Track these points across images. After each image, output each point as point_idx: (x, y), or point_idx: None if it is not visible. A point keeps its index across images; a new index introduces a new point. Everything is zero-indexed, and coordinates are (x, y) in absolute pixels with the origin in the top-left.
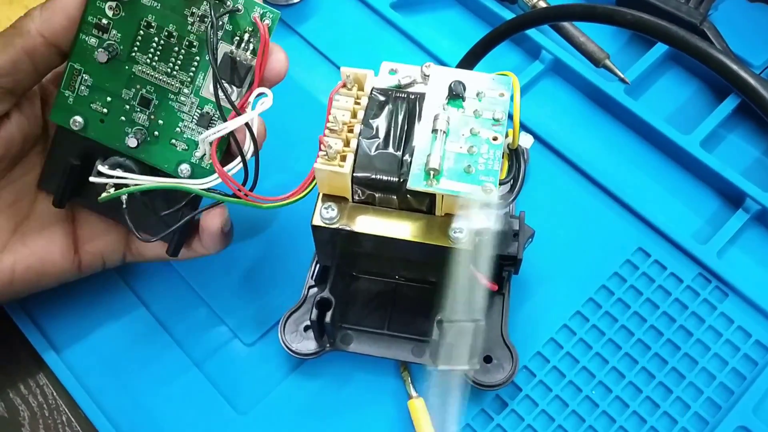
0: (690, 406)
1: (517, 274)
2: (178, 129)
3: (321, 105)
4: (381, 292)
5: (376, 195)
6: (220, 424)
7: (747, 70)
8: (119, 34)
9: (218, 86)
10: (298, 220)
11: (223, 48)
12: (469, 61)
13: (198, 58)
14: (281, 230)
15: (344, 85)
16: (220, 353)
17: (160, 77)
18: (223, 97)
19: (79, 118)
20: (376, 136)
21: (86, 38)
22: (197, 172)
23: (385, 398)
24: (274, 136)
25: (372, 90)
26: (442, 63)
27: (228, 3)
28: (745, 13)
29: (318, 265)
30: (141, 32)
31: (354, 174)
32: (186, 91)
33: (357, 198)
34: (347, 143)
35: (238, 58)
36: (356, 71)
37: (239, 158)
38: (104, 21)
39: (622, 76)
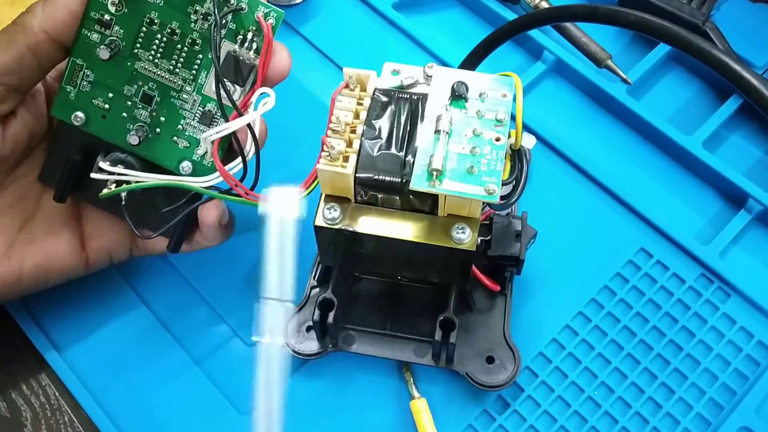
0: (692, 407)
1: (520, 274)
2: (180, 126)
3: (323, 105)
4: (383, 292)
5: (379, 196)
6: (222, 424)
7: (749, 70)
8: (122, 30)
9: (220, 86)
10: (299, 220)
11: (227, 47)
12: (471, 62)
13: (201, 56)
14: None
15: (347, 86)
16: (221, 353)
17: (163, 74)
18: (225, 96)
19: (80, 114)
20: (379, 136)
21: (88, 34)
22: (198, 169)
23: (387, 399)
24: (276, 136)
25: (374, 91)
26: (444, 63)
27: (232, 2)
28: (748, 14)
29: (320, 266)
30: (144, 29)
31: (356, 175)
32: (188, 88)
33: (359, 198)
34: (350, 144)
35: (241, 57)
36: (359, 72)
37: (240, 158)
38: (106, 17)
39: (624, 76)
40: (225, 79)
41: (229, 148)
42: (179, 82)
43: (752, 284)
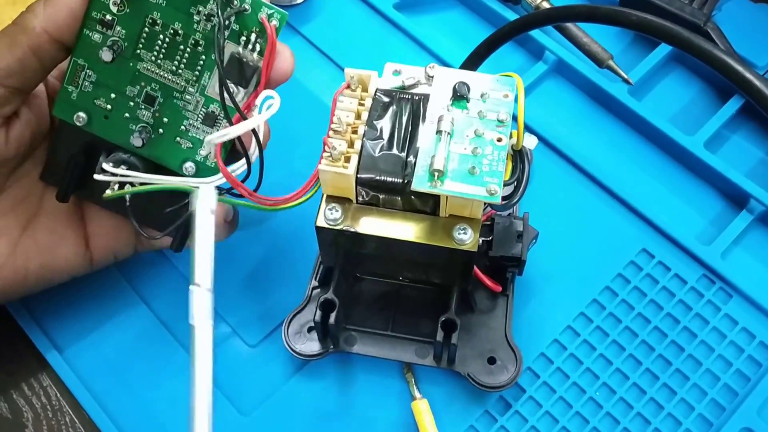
0: (694, 408)
1: (521, 275)
2: (183, 127)
3: (324, 106)
4: (385, 293)
5: (380, 196)
6: (223, 425)
7: (751, 70)
8: (123, 31)
9: (224, 90)
10: (301, 220)
11: (230, 48)
12: (472, 62)
13: (204, 57)
14: (285, 231)
15: (348, 86)
16: (223, 354)
17: (165, 75)
18: (229, 99)
19: (82, 114)
20: (380, 137)
21: (90, 34)
22: (202, 170)
23: (388, 400)
24: (278, 137)
25: (376, 91)
26: (445, 64)
27: (235, 3)
28: (749, 14)
29: (322, 266)
30: (146, 29)
31: (358, 175)
32: (191, 89)
33: (361, 199)
34: (351, 144)
35: (244, 59)
36: (360, 72)
37: (244, 159)
38: (108, 17)
39: (625, 76)
40: (228, 81)
41: (233, 148)
42: (182, 83)
43: (754, 285)
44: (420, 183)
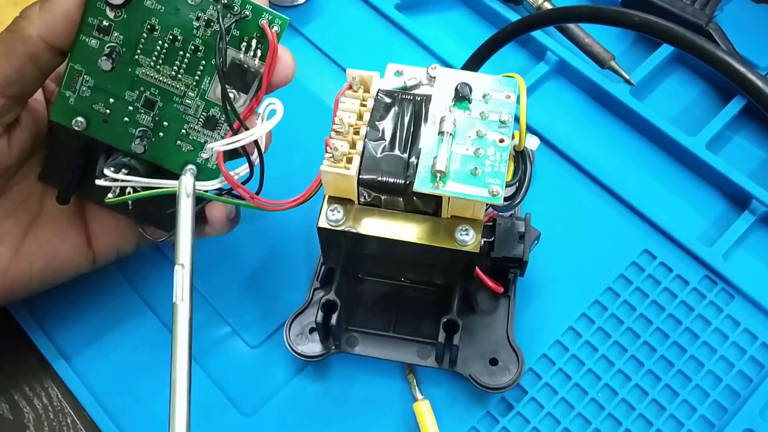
0: (696, 409)
1: (523, 276)
2: (183, 131)
3: (326, 107)
4: (387, 294)
5: (382, 197)
6: (225, 426)
7: (753, 71)
8: (121, 37)
9: (226, 101)
10: (303, 221)
11: (230, 54)
12: (474, 63)
13: (204, 62)
14: (287, 232)
15: (350, 87)
16: (225, 355)
17: (165, 80)
18: (230, 108)
19: (81, 119)
20: (382, 138)
21: (86, 39)
22: (203, 171)
23: (390, 401)
24: (280, 138)
25: (378, 92)
26: (447, 64)
27: (236, 9)
28: (751, 15)
29: (323, 267)
30: (144, 35)
31: (360, 176)
32: (191, 94)
33: (363, 200)
34: (353, 145)
35: (245, 65)
36: (362, 73)
37: (246, 163)
38: (105, 23)
39: (627, 77)
40: (229, 87)
41: (233, 150)
42: (182, 88)
43: (756, 286)
44: (422, 184)
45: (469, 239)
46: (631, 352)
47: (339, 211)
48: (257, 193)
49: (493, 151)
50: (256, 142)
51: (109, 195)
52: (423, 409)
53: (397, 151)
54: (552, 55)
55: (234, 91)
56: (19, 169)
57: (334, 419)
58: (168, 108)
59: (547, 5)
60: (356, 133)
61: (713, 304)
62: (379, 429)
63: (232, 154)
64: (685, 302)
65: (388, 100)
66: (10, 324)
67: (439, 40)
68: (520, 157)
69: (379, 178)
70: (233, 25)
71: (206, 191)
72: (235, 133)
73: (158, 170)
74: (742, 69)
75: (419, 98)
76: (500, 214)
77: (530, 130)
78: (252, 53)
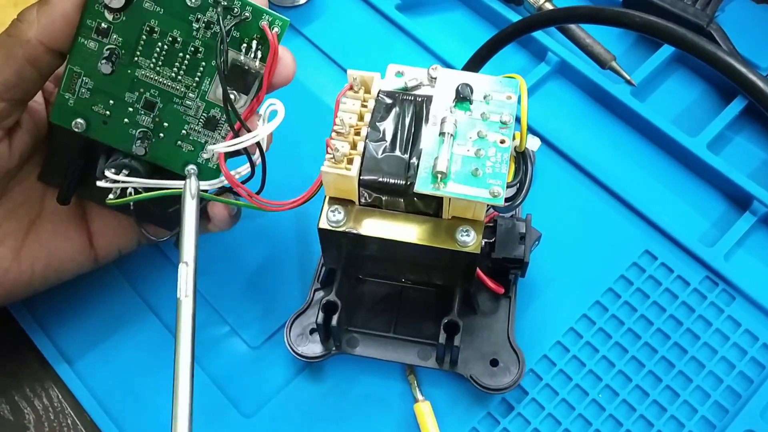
0: (697, 410)
1: (524, 277)
2: (184, 131)
3: (327, 107)
4: (387, 295)
5: (383, 198)
6: (226, 426)
7: (754, 72)
8: (120, 39)
9: (227, 103)
10: (304, 222)
11: (231, 55)
12: (475, 63)
13: (204, 63)
14: (287, 232)
15: (351, 88)
16: (225, 356)
17: (165, 81)
18: (231, 109)
19: (80, 120)
20: (383, 138)
21: (85, 42)
22: (204, 171)
23: (391, 402)
24: (281, 139)
25: (379, 92)
26: (448, 65)
27: (236, 11)
28: (752, 15)
29: (324, 268)
30: (144, 37)
31: (361, 177)
32: (192, 95)
33: (364, 201)
34: (354, 146)
35: (246, 66)
36: (363, 74)
37: (248, 164)
38: (104, 25)
39: (628, 78)
40: (229, 89)
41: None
42: (182, 89)
43: (757, 286)
44: (423, 185)
45: (470, 240)
46: (632, 353)
47: (340, 212)
48: (258, 192)
49: (494, 152)
50: (259, 146)
51: (110, 196)
52: (424, 410)
53: (397, 152)
54: (553, 56)
55: (234, 92)
56: (19, 170)
57: (335, 420)
58: (168, 109)
59: (548, 6)
60: (357, 133)
61: (714, 305)
62: (379, 430)
63: (233, 153)
64: (686, 303)
65: (389, 100)
66: (11, 325)
67: (439, 40)
68: (521, 157)
69: (380, 179)
70: (233, 27)
71: (207, 191)
72: (236, 134)
73: (158, 170)
74: (743, 69)
75: (420, 99)
76: (501, 215)
77: (531, 130)
78: (252, 54)
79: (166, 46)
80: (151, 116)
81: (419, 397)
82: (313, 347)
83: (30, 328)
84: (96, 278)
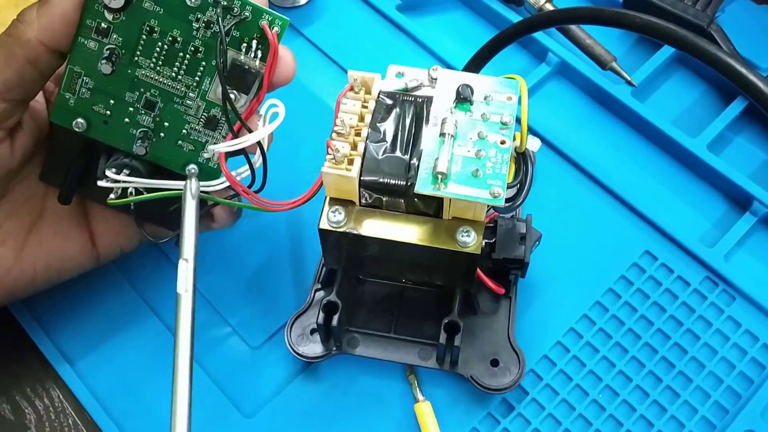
0: (697, 410)
1: (524, 277)
2: (184, 131)
3: (328, 108)
4: (388, 295)
5: (384, 198)
6: (226, 426)
7: (755, 72)
8: (120, 39)
9: (226, 102)
10: (304, 223)
11: (230, 55)
12: (476, 64)
13: (204, 63)
14: (288, 233)
15: (351, 89)
16: (226, 356)
17: (165, 81)
18: (231, 109)
19: (81, 120)
20: (384, 139)
21: (85, 42)
22: (205, 171)
23: (391, 402)
24: (281, 139)
25: (379, 93)
26: (448, 65)
27: (236, 10)
28: (753, 16)
29: (325, 269)
30: (144, 37)
31: (361, 178)
32: (192, 95)
33: (364, 201)
34: (354, 147)
35: (246, 66)
36: (363, 74)
37: (248, 164)
38: (104, 25)
39: (628, 78)
40: (229, 89)
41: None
42: (182, 89)
43: (757, 287)
44: (423, 185)
45: (471, 241)
46: (633, 353)
47: (340, 213)
48: (258, 192)
49: (495, 153)
50: (260, 146)
51: (111, 195)
52: (424, 410)
53: (398, 153)
54: (553, 57)
55: (235, 92)
56: (21, 170)
57: (335, 420)
58: (168, 109)
59: (549, 6)
60: (357, 134)
61: (714, 305)
62: (380, 430)
63: (233, 153)
64: (686, 303)
65: (389, 101)
66: (12, 325)
67: (440, 41)
68: (521, 158)
69: (381, 180)
70: (233, 26)
71: (209, 192)
72: (236, 134)
73: (159, 169)
74: (743, 70)
75: (420, 100)
76: (501, 215)
77: (531, 131)
78: (252, 54)
79: (166, 46)
80: (152, 116)
81: (420, 397)
82: (314, 347)
83: (31, 328)
84: (96, 278)
